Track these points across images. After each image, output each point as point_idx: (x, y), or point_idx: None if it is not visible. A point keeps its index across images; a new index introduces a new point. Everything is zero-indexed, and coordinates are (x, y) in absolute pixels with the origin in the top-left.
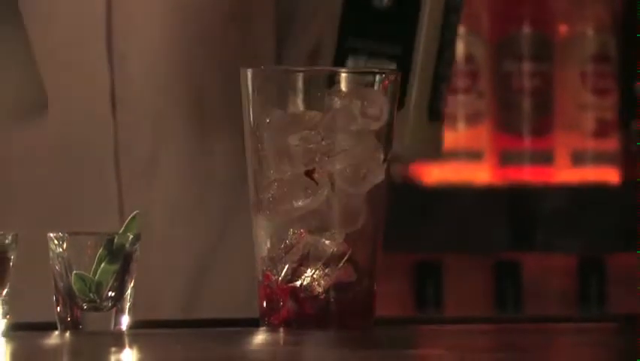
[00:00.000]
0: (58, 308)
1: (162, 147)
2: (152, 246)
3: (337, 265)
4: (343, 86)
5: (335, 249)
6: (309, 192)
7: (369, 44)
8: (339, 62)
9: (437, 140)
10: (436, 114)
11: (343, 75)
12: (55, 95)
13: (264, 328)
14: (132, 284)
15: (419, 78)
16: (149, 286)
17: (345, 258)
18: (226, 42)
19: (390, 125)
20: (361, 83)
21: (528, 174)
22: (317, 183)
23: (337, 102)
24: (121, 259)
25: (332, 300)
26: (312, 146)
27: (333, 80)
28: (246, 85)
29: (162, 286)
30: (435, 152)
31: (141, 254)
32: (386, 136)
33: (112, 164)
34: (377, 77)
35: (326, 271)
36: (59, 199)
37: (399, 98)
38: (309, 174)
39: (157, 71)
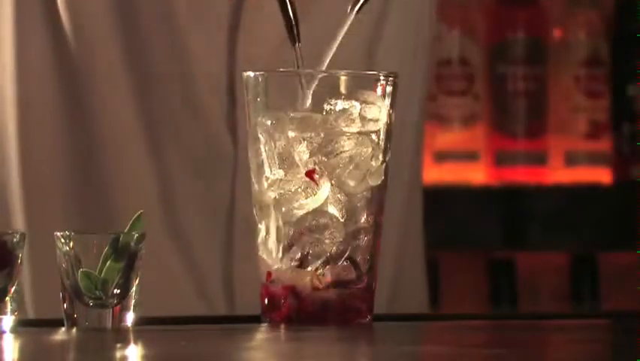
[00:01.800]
0: (65, 305)
1: None
2: None
3: (337, 264)
4: (343, 89)
5: (335, 248)
6: (310, 192)
7: None
8: None
9: None
10: None
11: (343, 78)
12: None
13: (265, 324)
14: (137, 282)
15: None
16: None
17: (345, 256)
18: None
19: (389, 127)
20: (361, 85)
21: (522, 175)
22: (317, 184)
23: (337, 105)
24: (126, 257)
25: (332, 297)
26: (312, 147)
27: (333, 83)
28: (248, 87)
29: None
30: None
31: None
32: (385, 138)
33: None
34: (376, 79)
35: (326, 269)
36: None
37: None
38: (309, 174)
39: None
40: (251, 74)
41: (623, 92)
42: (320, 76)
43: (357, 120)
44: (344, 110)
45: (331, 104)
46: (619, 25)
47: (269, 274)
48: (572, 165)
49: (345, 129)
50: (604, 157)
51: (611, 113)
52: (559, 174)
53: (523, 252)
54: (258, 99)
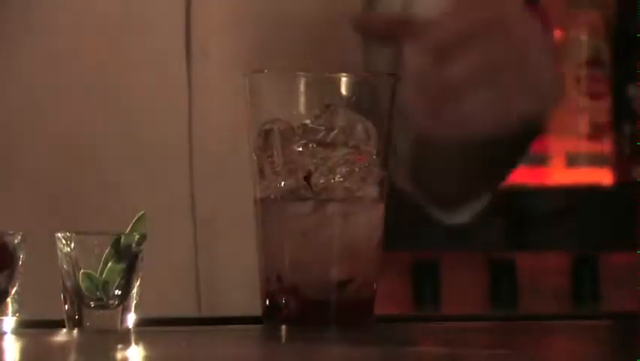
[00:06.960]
0: (66, 306)
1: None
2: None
3: (337, 265)
4: (344, 90)
5: (334, 249)
6: (307, 196)
7: None
8: None
9: None
10: None
11: (344, 80)
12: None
13: (266, 326)
14: (138, 283)
15: None
16: (220, 279)
17: (345, 257)
18: (311, 46)
19: (388, 132)
20: (363, 87)
21: (524, 176)
22: (312, 190)
23: (339, 118)
24: (127, 258)
25: (333, 299)
26: (312, 153)
27: (335, 85)
28: (248, 89)
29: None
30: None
31: None
32: (384, 150)
33: (187, 160)
34: (378, 81)
35: (326, 269)
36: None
37: None
38: (306, 179)
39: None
40: (251, 75)
41: (623, 93)
42: (323, 78)
43: (358, 136)
44: (345, 126)
45: (335, 115)
46: (619, 26)
47: (269, 275)
48: (573, 166)
49: (346, 141)
50: (605, 158)
51: (611, 114)
52: (560, 174)
53: (525, 252)
54: (260, 101)
